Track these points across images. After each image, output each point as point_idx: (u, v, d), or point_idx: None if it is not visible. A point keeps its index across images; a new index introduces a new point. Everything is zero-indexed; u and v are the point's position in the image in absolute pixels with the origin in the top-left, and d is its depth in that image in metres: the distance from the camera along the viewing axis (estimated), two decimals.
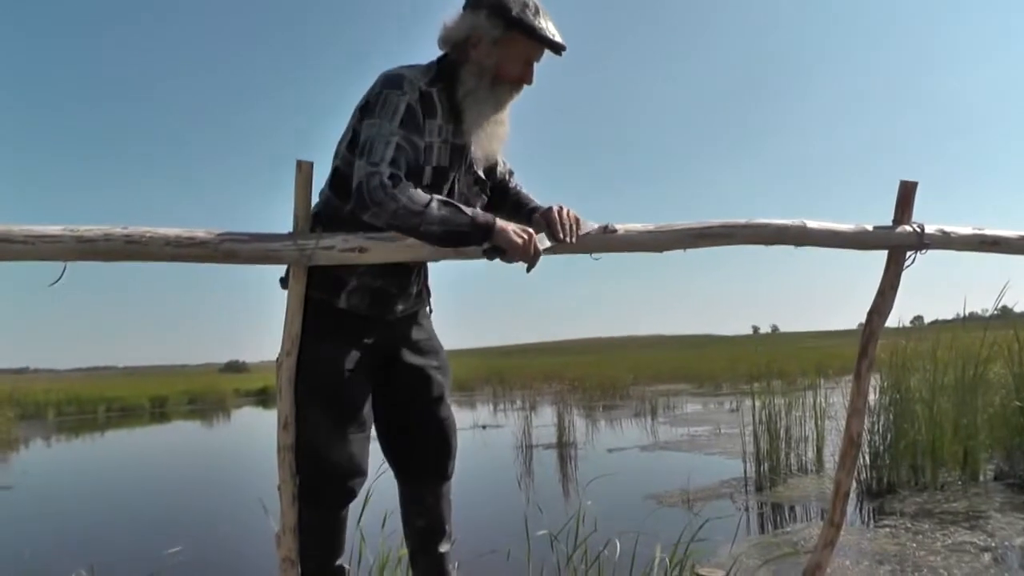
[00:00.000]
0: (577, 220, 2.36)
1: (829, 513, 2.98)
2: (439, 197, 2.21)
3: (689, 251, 2.58)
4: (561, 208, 2.36)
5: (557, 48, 2.36)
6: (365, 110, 2.31)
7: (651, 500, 6.33)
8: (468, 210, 2.21)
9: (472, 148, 2.43)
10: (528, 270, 2.28)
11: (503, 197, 2.64)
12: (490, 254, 2.24)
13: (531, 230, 2.25)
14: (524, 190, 2.67)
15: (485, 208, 2.51)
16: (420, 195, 2.18)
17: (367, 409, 2.47)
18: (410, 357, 2.59)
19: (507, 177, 2.68)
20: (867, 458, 6.05)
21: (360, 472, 2.43)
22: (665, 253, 2.56)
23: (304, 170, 2.24)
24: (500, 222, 2.22)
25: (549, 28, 2.33)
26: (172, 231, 2.10)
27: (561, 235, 2.31)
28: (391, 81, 2.30)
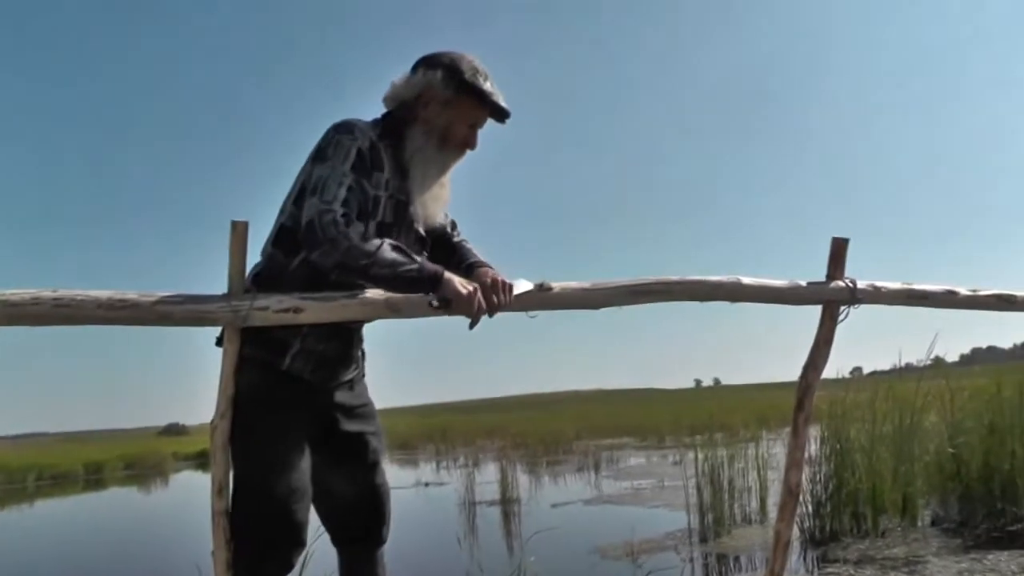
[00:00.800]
0: (508, 286, 2.32)
1: (770, 563, 3.00)
2: (390, 241, 2.22)
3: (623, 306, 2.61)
4: (493, 280, 2.31)
5: (503, 116, 2.44)
6: (316, 157, 2.31)
7: (595, 554, 6.30)
8: (418, 258, 2.22)
9: (414, 208, 2.43)
10: (471, 326, 2.27)
11: (448, 252, 2.62)
12: (435, 304, 2.23)
13: (476, 284, 2.25)
14: (468, 244, 2.65)
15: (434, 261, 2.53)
16: (371, 239, 2.18)
17: (307, 476, 2.41)
18: (347, 424, 2.56)
19: (449, 230, 2.67)
20: (810, 507, 6.09)
21: (300, 543, 2.38)
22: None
23: (239, 230, 2.23)
24: (448, 273, 2.22)
25: (497, 95, 2.41)
26: (104, 293, 2.07)
27: (496, 303, 2.28)
28: (343, 127, 2.32)
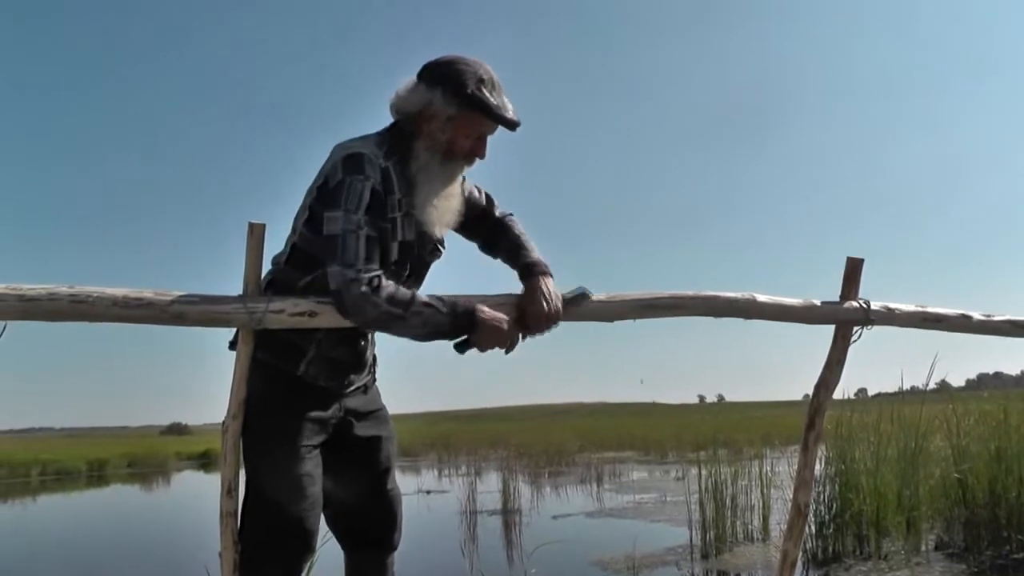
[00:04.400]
0: (556, 314, 2.36)
1: None
2: (421, 297, 2.22)
3: (637, 319, 2.61)
4: (539, 313, 2.34)
5: (512, 126, 2.35)
6: (325, 192, 2.27)
7: (596, 567, 6.28)
8: (447, 305, 2.23)
9: (426, 222, 2.40)
10: (507, 352, 2.34)
11: (497, 234, 2.61)
12: (462, 347, 2.29)
13: (507, 318, 2.29)
14: (518, 228, 2.61)
15: (487, 244, 2.61)
16: (401, 296, 2.18)
17: (319, 483, 2.41)
18: (360, 429, 2.55)
19: (486, 205, 2.64)
20: (813, 527, 6.08)
21: (309, 548, 2.38)
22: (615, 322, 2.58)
23: (256, 232, 2.23)
24: (479, 314, 2.24)
25: (505, 104, 2.33)
26: (119, 291, 2.07)
27: (537, 334, 2.36)
28: (352, 164, 2.25)
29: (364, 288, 2.14)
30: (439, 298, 2.25)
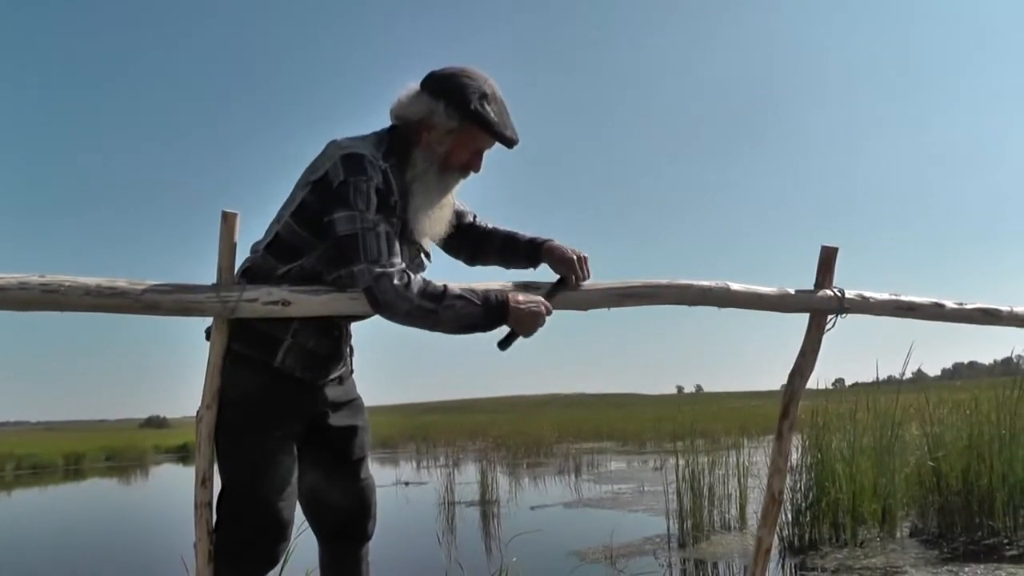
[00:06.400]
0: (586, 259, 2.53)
1: (751, 569, 3.00)
2: (453, 289, 2.23)
3: (613, 309, 2.61)
4: (577, 256, 2.52)
5: (511, 143, 2.38)
6: (327, 191, 2.23)
7: (574, 556, 6.29)
8: (479, 296, 2.25)
9: (415, 230, 2.39)
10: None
11: (484, 241, 2.65)
12: (504, 344, 2.35)
13: (539, 298, 2.35)
14: (502, 227, 2.69)
15: (474, 254, 2.67)
16: (432, 289, 2.20)
17: (294, 474, 2.40)
18: (334, 419, 2.54)
19: (473, 219, 2.68)
20: (790, 515, 6.13)
21: (284, 538, 2.37)
22: (589, 311, 2.59)
23: (229, 221, 2.22)
24: (511, 302, 2.27)
25: (506, 121, 2.35)
26: (92, 280, 2.06)
27: (581, 281, 2.51)
28: (354, 166, 2.23)
29: (396, 282, 2.15)
30: (471, 289, 2.27)
